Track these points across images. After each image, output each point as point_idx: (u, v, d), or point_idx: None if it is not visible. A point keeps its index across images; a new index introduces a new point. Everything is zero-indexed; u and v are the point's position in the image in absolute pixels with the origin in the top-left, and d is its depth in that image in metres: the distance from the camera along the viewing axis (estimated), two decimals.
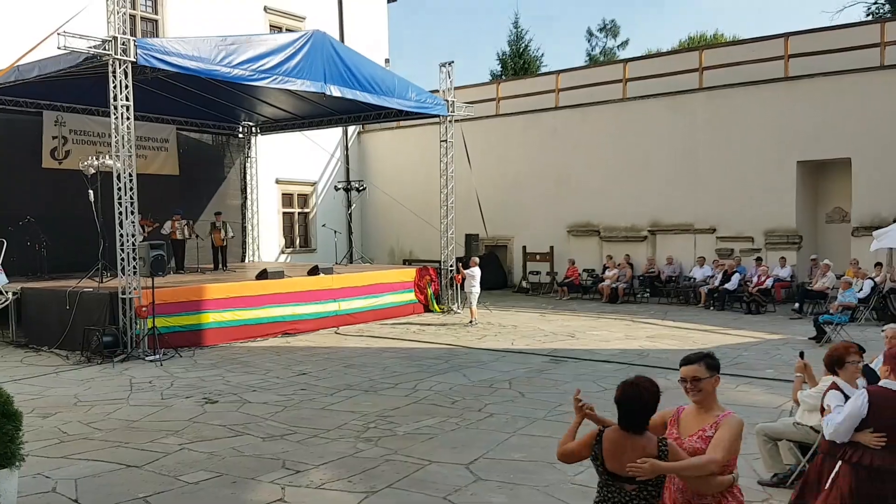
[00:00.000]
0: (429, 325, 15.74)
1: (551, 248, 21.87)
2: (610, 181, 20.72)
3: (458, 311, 17.41)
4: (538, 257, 22.18)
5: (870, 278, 15.20)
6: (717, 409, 3.54)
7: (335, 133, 24.53)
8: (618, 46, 39.86)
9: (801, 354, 6.42)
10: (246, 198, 22.10)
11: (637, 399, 3.34)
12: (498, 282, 22.44)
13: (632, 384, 3.40)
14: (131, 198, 12.17)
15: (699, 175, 19.34)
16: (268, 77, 13.75)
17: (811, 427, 5.96)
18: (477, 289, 15.59)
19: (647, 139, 20.12)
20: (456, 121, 18.41)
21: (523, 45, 36.59)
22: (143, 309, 11.91)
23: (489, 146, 22.07)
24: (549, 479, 6.16)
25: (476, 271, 15.62)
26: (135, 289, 12.06)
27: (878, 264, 15.78)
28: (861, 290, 14.75)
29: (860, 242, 16.39)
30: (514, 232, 22.75)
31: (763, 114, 18.43)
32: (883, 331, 7.27)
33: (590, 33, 40.33)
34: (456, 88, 18.39)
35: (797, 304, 16.16)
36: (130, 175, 12.17)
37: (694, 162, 19.44)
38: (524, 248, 22.46)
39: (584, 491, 5.80)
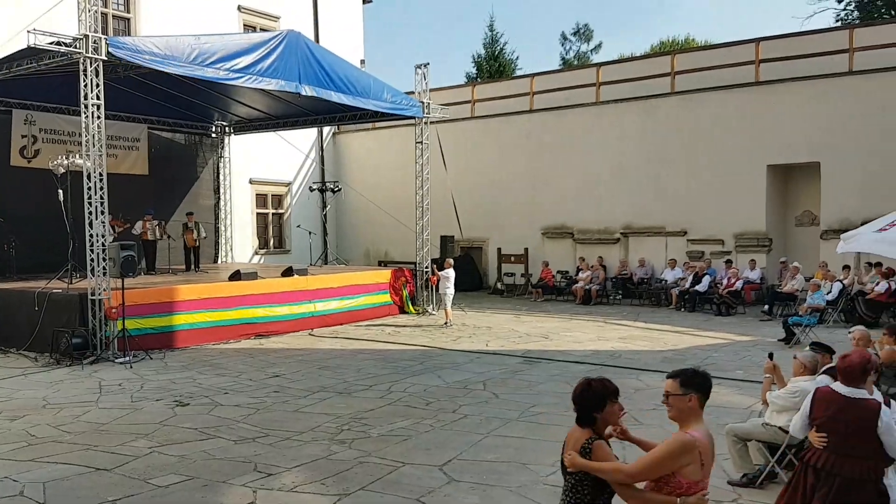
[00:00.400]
0: (404, 326, 15.71)
1: (526, 249, 21.95)
2: (583, 184, 20.83)
3: (434, 312, 17.40)
4: (513, 259, 22.24)
5: (838, 281, 15.45)
6: (686, 428, 3.39)
7: (310, 134, 24.40)
8: (591, 51, 40.11)
9: (771, 356, 6.51)
10: (219, 198, 21.89)
11: (579, 394, 3.52)
12: (473, 283, 22.45)
13: (582, 379, 3.56)
14: (101, 197, 12.00)
15: (671, 178, 19.52)
16: (241, 76, 13.64)
17: (780, 427, 6.04)
18: (451, 290, 15.61)
19: (620, 142, 20.27)
20: (431, 122, 18.39)
21: (498, 47, 36.72)
22: (113, 310, 11.75)
23: (465, 148, 22.08)
24: (521, 479, 6.19)
25: (450, 273, 15.62)
26: (105, 290, 11.90)
27: (847, 267, 16.04)
28: (830, 292, 14.97)
29: (829, 245, 16.57)
30: (489, 234, 22.78)
31: (734, 118, 18.66)
32: (850, 332, 7.42)
33: (564, 37, 40.52)
34: (431, 90, 18.39)
35: (767, 306, 16.32)
36: (101, 174, 12.00)
37: (666, 165, 19.61)
38: (499, 249, 22.50)
39: (556, 491, 5.80)
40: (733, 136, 18.61)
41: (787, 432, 5.94)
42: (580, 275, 20.07)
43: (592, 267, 20.04)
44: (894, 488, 4.46)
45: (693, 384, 3.37)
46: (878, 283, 15.07)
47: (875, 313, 14.62)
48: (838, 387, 4.45)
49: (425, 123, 18.16)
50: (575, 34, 40.21)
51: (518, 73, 34.76)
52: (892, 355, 6.66)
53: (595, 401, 3.48)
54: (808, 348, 6.55)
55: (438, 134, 19.01)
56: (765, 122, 18.21)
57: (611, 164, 20.39)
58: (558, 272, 20.84)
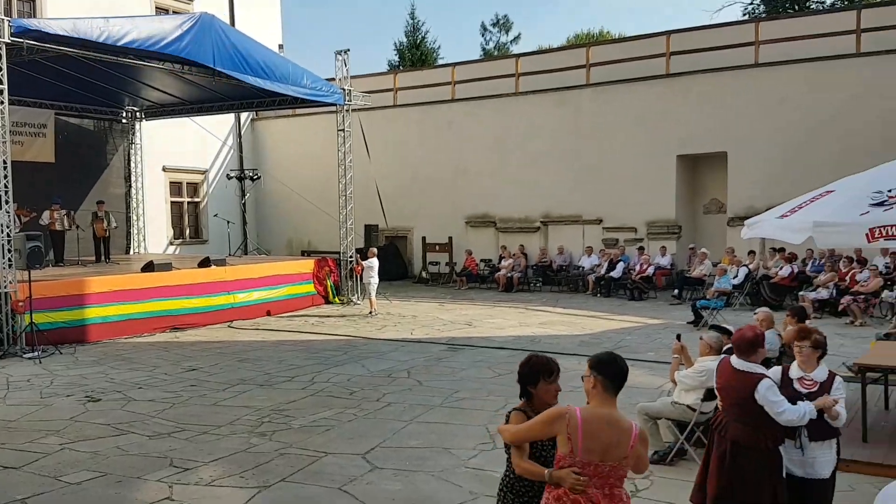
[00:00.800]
0: (328, 316, 15.57)
1: (450, 238, 22.02)
2: (504, 173, 21.07)
3: (359, 302, 17.28)
4: (437, 248, 22.25)
5: (744, 266, 16.12)
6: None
7: (227, 120, 23.79)
8: (510, 42, 40.49)
9: (678, 337, 6.77)
10: (130, 186, 21.11)
11: (519, 368, 3.68)
12: (398, 273, 22.35)
13: (529, 355, 3.74)
14: (6, 186, 11.50)
15: (587, 168, 19.92)
16: (153, 58, 13.22)
17: (688, 405, 6.29)
18: (375, 279, 15.57)
19: (539, 133, 20.56)
20: (353, 110, 18.19)
21: (420, 36, 36.65)
22: (21, 304, 11.27)
23: (388, 137, 21.95)
24: (443, 464, 6.28)
25: (374, 262, 15.57)
26: (11, 282, 11.39)
27: (752, 252, 16.67)
28: (736, 276, 15.66)
29: (735, 232, 17.14)
30: (413, 223, 22.76)
31: (645, 109, 19.17)
32: (755, 314, 7.77)
33: (483, 28, 40.75)
34: (353, 77, 18.20)
35: (676, 291, 16.92)
36: (5, 162, 11.48)
37: (582, 156, 20.00)
38: (424, 238, 22.46)
39: (478, 474, 5.99)
40: (645, 128, 19.13)
41: (694, 410, 6.22)
42: (502, 263, 20.29)
43: (514, 255, 20.30)
44: (818, 460, 4.69)
45: (596, 367, 3.40)
46: (781, 268, 15.81)
47: (779, 296, 15.30)
48: (732, 359, 4.79)
49: (347, 111, 17.93)
50: (494, 25, 40.50)
51: (440, 62, 34.80)
52: (795, 335, 7.03)
53: (529, 377, 3.59)
54: (709, 330, 6.82)
55: (361, 122, 18.82)
56: (675, 113, 18.80)
57: (530, 153, 20.66)
58: (482, 260, 21.02)
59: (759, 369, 4.71)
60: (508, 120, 21.10)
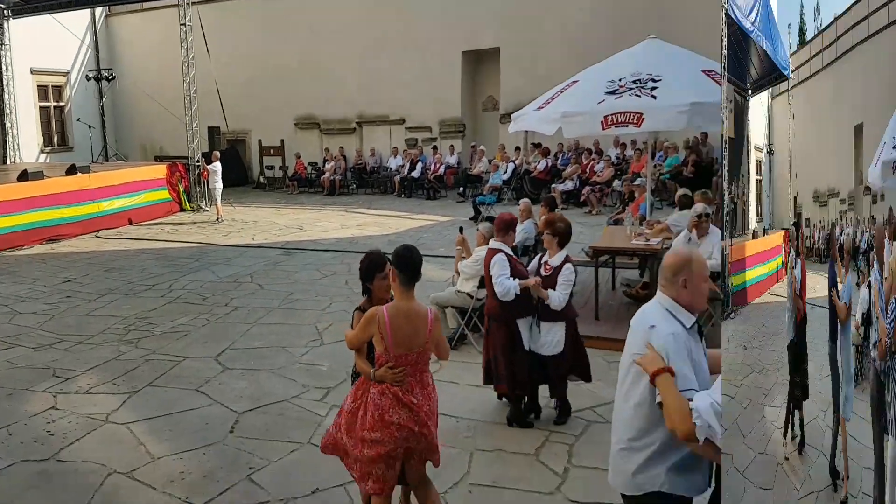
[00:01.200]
0: (181, 224, 14.30)
1: (282, 141, 19.35)
2: (323, 72, 18.18)
3: (207, 208, 15.29)
4: (272, 151, 19.52)
5: (511, 161, 15.05)
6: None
7: (84, 16, 19.84)
8: None
9: (461, 230, 6.58)
10: (2, 90, 17.42)
11: (359, 267, 3.46)
12: (239, 178, 19.27)
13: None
14: None
15: (391, 67, 17.35)
16: None
17: (467, 293, 6.09)
18: (219, 185, 14.06)
19: (348, 29, 17.71)
20: (193, 3, 15.60)
21: None
22: None
23: (226, 33, 18.17)
24: (281, 362, 6.22)
25: (217, 167, 13.94)
26: None
27: (518, 148, 15.42)
28: (505, 172, 14.73)
29: (506, 129, 15.21)
30: (251, 125, 19.61)
31: (436, 3, 16.75)
32: (518, 204, 7.81)
33: None
34: None
35: (461, 189, 15.69)
36: None
37: (386, 54, 17.38)
38: (260, 141, 19.70)
39: (309, 369, 6.11)
40: (436, 23, 16.77)
41: (472, 297, 6.03)
42: (327, 166, 18.02)
43: (335, 157, 18.10)
44: (547, 339, 4.51)
45: (393, 261, 3.14)
46: (539, 162, 14.83)
47: (537, 190, 14.18)
48: (491, 241, 4.72)
49: (188, 3, 15.32)
50: None
51: None
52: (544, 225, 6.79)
53: (365, 273, 3.37)
54: (483, 222, 6.54)
55: (200, 16, 15.87)
56: (459, 7, 16.51)
57: (342, 52, 17.85)
58: (309, 164, 18.49)
59: (501, 247, 4.56)
60: (321, 14, 17.95)
